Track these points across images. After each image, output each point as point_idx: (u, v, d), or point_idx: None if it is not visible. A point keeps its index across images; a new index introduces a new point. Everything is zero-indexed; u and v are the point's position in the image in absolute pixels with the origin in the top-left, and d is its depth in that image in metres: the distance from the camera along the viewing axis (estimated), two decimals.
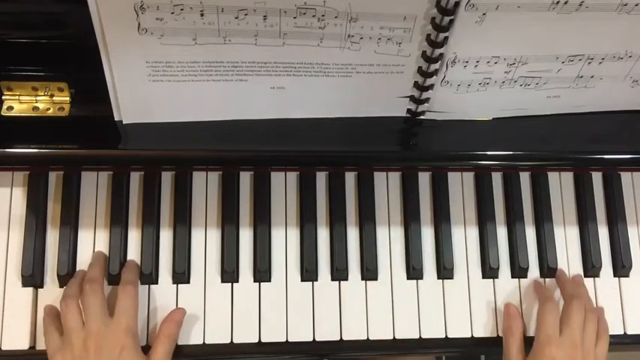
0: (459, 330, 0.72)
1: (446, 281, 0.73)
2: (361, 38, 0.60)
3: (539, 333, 0.67)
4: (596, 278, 0.74)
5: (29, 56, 0.68)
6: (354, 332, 0.71)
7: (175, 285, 0.70)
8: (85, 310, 0.64)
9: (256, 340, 0.70)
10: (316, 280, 0.72)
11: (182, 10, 0.56)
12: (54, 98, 0.69)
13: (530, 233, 0.75)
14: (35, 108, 0.69)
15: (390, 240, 0.73)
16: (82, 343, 0.62)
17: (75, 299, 0.64)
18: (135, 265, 0.70)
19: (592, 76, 0.67)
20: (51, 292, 0.69)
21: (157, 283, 0.70)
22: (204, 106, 0.66)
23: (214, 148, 0.68)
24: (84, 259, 0.70)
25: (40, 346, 0.68)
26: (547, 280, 0.74)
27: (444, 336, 0.71)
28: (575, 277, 0.74)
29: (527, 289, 0.73)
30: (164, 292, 0.70)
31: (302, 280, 0.72)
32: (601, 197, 0.77)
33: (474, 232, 0.74)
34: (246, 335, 0.69)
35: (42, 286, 0.69)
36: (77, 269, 0.70)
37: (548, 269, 0.74)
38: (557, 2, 0.57)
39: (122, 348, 0.62)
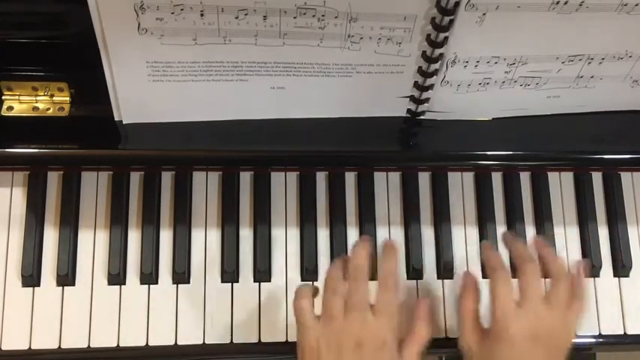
0: (459, 330, 0.71)
1: (446, 281, 0.73)
2: (361, 38, 0.60)
3: (494, 310, 0.59)
4: (596, 278, 0.74)
5: (29, 56, 0.68)
6: None
7: (175, 285, 0.70)
8: (349, 299, 0.58)
9: (256, 340, 0.70)
10: (317, 279, 0.72)
11: (182, 10, 0.56)
12: (54, 98, 0.69)
13: (530, 233, 0.75)
14: (35, 108, 0.69)
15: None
16: (341, 331, 0.57)
17: (342, 285, 0.59)
18: (395, 249, 0.63)
19: (592, 76, 0.67)
20: (51, 292, 0.69)
21: (157, 283, 0.70)
22: (204, 106, 0.66)
23: (214, 148, 0.68)
24: (84, 259, 0.70)
25: (40, 346, 0.68)
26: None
27: (443, 336, 0.71)
28: (535, 239, 0.67)
29: None
30: (164, 292, 0.70)
31: (302, 280, 0.72)
32: (601, 197, 0.77)
33: (474, 232, 0.74)
34: (246, 335, 0.69)
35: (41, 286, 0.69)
36: (77, 269, 0.70)
37: None
38: (557, 2, 0.57)
39: (383, 342, 0.57)
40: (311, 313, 0.59)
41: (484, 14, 0.57)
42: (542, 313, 0.59)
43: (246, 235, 0.72)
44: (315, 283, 0.71)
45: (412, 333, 0.61)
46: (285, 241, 0.72)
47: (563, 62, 0.65)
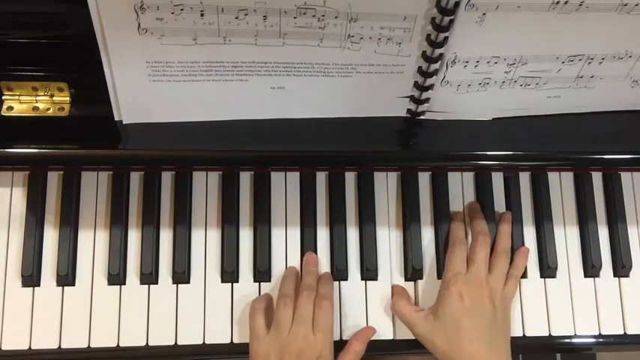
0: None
1: None
2: (361, 38, 0.60)
3: (446, 272, 0.69)
4: (596, 278, 0.74)
5: (29, 56, 0.68)
6: (354, 332, 0.71)
7: (175, 285, 0.70)
8: (297, 314, 0.66)
9: None
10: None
11: (182, 10, 0.56)
12: (54, 98, 0.69)
13: (530, 233, 0.75)
14: (35, 108, 0.69)
15: (390, 240, 0.73)
16: (287, 341, 0.65)
17: (293, 300, 0.67)
18: (330, 278, 0.71)
19: (592, 76, 0.67)
20: (51, 292, 0.69)
21: (157, 283, 0.70)
22: (204, 106, 0.66)
23: (214, 148, 0.68)
24: (84, 259, 0.70)
25: (40, 346, 0.68)
26: (547, 279, 0.74)
27: None
28: (502, 213, 0.74)
29: (527, 288, 0.73)
30: (164, 292, 0.70)
31: None
32: (601, 197, 0.77)
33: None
34: (246, 335, 0.69)
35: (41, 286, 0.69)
36: (77, 269, 0.70)
37: (548, 269, 0.73)
38: (557, 2, 0.57)
39: (319, 357, 0.65)
40: (262, 323, 0.67)
41: (484, 14, 0.57)
42: (484, 278, 0.68)
43: (246, 235, 0.72)
44: None
45: (348, 349, 0.68)
46: (285, 241, 0.72)
47: (563, 62, 0.65)
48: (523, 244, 0.74)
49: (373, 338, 0.70)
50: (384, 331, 0.71)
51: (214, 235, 0.72)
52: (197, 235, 0.72)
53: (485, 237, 0.71)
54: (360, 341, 0.69)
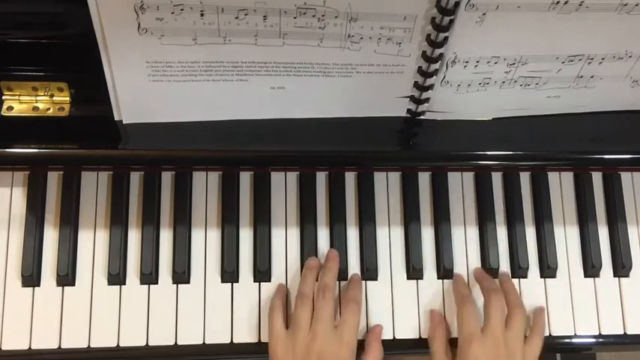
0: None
1: (446, 281, 0.73)
2: (361, 38, 0.60)
3: (461, 332, 0.67)
4: (596, 278, 0.74)
5: (29, 56, 0.68)
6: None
7: (175, 285, 0.70)
8: (316, 313, 0.66)
9: (256, 340, 0.70)
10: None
11: (182, 10, 0.56)
12: (54, 98, 0.69)
13: (530, 233, 0.75)
14: (35, 108, 0.69)
15: (390, 240, 0.73)
16: (306, 342, 0.64)
17: (311, 299, 0.67)
18: (360, 281, 0.71)
19: (592, 76, 0.67)
20: (51, 292, 0.69)
21: (157, 283, 0.70)
22: (204, 106, 0.66)
23: (214, 148, 0.68)
24: (84, 259, 0.70)
25: (40, 346, 0.68)
26: (547, 279, 0.74)
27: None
28: (500, 273, 0.73)
29: (527, 288, 0.73)
30: (164, 292, 0.70)
31: None
32: (601, 197, 0.77)
33: (474, 232, 0.74)
34: (246, 335, 0.69)
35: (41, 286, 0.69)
36: (77, 269, 0.70)
37: (548, 269, 0.73)
38: (557, 2, 0.57)
39: (341, 358, 0.64)
40: (281, 323, 0.67)
41: (484, 14, 0.57)
42: (501, 338, 0.65)
43: (246, 235, 0.72)
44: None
45: (369, 352, 0.67)
46: (285, 241, 0.72)
47: (563, 62, 0.65)
48: (524, 244, 0.74)
49: None
50: (384, 331, 0.71)
51: (214, 235, 0.72)
52: (197, 235, 0.72)
53: (498, 294, 0.68)
54: (379, 341, 0.69)
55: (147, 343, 0.68)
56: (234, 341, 0.70)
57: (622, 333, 0.73)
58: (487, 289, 0.69)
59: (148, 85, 0.63)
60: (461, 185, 0.75)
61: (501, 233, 0.75)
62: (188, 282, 0.71)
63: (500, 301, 0.68)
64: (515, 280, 0.73)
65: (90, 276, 0.70)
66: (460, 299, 0.69)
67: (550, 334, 0.72)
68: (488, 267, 0.73)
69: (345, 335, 0.65)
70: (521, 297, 0.73)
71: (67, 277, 0.69)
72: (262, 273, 0.71)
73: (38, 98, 0.69)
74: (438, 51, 0.61)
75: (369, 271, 0.72)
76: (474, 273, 0.73)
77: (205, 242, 0.72)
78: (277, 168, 0.73)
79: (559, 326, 0.72)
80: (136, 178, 0.72)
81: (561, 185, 0.76)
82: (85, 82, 0.68)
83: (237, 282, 0.71)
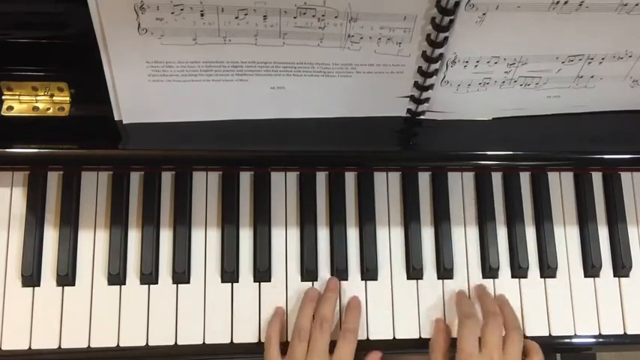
0: None
1: (446, 281, 0.73)
2: (361, 38, 0.60)
3: (459, 350, 0.66)
4: (596, 278, 0.74)
5: (29, 56, 0.68)
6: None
7: (175, 285, 0.70)
8: (311, 346, 0.66)
9: (256, 340, 0.70)
10: (317, 280, 0.72)
11: (182, 10, 0.56)
12: (54, 98, 0.69)
13: (530, 233, 0.75)
14: (35, 108, 0.69)
15: (390, 240, 0.73)
16: None
17: (308, 332, 0.67)
18: (359, 308, 0.70)
19: (592, 76, 0.67)
20: (51, 292, 0.69)
21: (157, 283, 0.70)
22: (204, 106, 0.66)
23: (214, 148, 0.68)
24: (84, 259, 0.70)
25: (40, 346, 0.68)
26: (547, 279, 0.74)
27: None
28: (498, 296, 0.73)
29: (527, 289, 0.73)
30: (164, 292, 0.70)
31: (302, 280, 0.72)
32: (601, 197, 0.77)
33: (474, 232, 0.74)
34: (246, 335, 0.69)
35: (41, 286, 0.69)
36: (77, 269, 0.70)
37: (548, 269, 0.73)
38: (557, 2, 0.57)
39: None
40: (277, 354, 0.67)
41: (484, 14, 0.57)
42: (496, 358, 0.65)
43: (246, 235, 0.72)
44: (315, 284, 0.71)
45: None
46: (285, 241, 0.72)
47: (563, 62, 0.65)
48: (524, 244, 0.74)
49: (373, 338, 0.70)
50: (384, 331, 0.71)
51: (214, 235, 0.72)
52: (197, 235, 0.72)
53: (497, 317, 0.68)
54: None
55: (147, 343, 0.68)
56: (234, 341, 0.70)
57: (622, 333, 0.73)
58: (487, 312, 0.69)
59: (148, 85, 0.63)
60: (461, 185, 0.75)
61: (501, 233, 0.75)
62: (188, 282, 0.71)
63: (499, 324, 0.67)
64: (514, 281, 0.73)
65: (90, 276, 0.70)
66: (463, 317, 0.69)
67: (550, 334, 0.72)
68: (489, 267, 0.73)
69: None
70: (521, 297, 0.73)
71: (67, 277, 0.69)
72: (262, 273, 0.71)
73: (38, 98, 0.69)
74: (438, 51, 0.61)
75: (369, 271, 0.72)
76: (475, 290, 0.73)
77: (205, 242, 0.72)
78: (277, 168, 0.73)
79: (559, 326, 0.72)
80: (136, 178, 0.72)
81: (561, 185, 0.76)
82: (85, 82, 0.68)
83: (237, 282, 0.71)
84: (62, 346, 0.68)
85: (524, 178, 0.76)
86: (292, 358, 0.65)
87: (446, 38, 0.59)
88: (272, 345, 0.67)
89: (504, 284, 0.73)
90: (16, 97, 0.69)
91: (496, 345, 0.66)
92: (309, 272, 0.71)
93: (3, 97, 0.68)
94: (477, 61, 0.63)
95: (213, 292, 0.71)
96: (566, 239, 0.75)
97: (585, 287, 0.74)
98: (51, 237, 0.70)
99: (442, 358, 0.68)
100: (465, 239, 0.74)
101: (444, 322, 0.71)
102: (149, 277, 0.70)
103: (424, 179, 0.75)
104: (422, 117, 0.70)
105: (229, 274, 0.70)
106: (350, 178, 0.74)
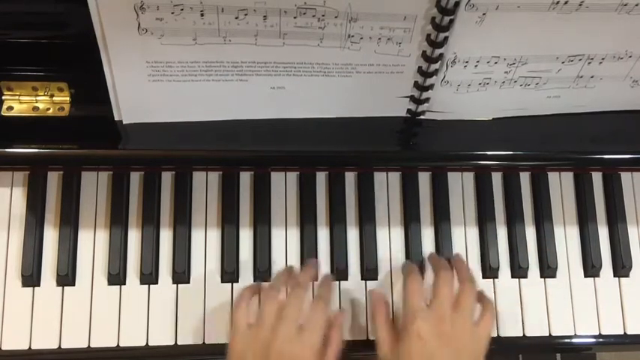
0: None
1: None
2: (361, 38, 0.60)
3: (405, 307, 0.63)
4: (596, 278, 0.74)
5: (29, 56, 0.68)
6: (355, 332, 0.71)
7: (175, 285, 0.70)
8: (282, 311, 0.61)
9: None
10: (316, 280, 0.71)
11: (182, 10, 0.56)
12: (54, 98, 0.69)
13: (530, 233, 0.75)
14: (35, 108, 0.69)
15: (390, 240, 0.73)
16: (267, 340, 0.59)
17: (279, 294, 0.63)
18: (329, 280, 0.69)
19: (592, 76, 0.67)
20: (51, 292, 0.69)
21: (157, 283, 0.70)
22: (204, 106, 0.66)
23: (214, 148, 0.68)
24: (84, 259, 0.70)
25: (40, 346, 0.68)
26: (547, 279, 0.74)
27: None
28: (455, 254, 0.72)
29: (527, 289, 0.73)
30: (164, 292, 0.70)
31: None
32: (601, 197, 0.77)
33: (474, 232, 0.74)
34: None
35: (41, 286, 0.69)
36: (77, 269, 0.70)
37: (548, 269, 0.73)
38: (557, 2, 0.57)
39: (302, 359, 0.59)
40: (245, 317, 0.63)
41: (484, 14, 0.57)
42: (447, 314, 0.62)
43: (246, 235, 0.72)
44: (315, 284, 0.71)
45: (327, 344, 0.62)
46: (285, 241, 0.72)
47: (563, 62, 0.65)
48: (524, 244, 0.74)
49: (373, 338, 0.70)
50: None
51: (214, 235, 0.72)
52: (197, 235, 0.72)
53: (447, 271, 0.65)
54: (339, 332, 0.64)
55: (147, 343, 0.68)
56: None
57: (622, 333, 0.73)
58: (437, 267, 0.67)
59: (148, 85, 0.63)
60: (461, 185, 0.75)
61: (501, 233, 0.75)
62: (188, 282, 0.71)
63: (449, 277, 0.65)
64: (514, 280, 0.73)
65: (90, 276, 0.70)
66: (408, 274, 0.66)
67: (550, 334, 0.72)
68: (489, 267, 0.73)
69: (308, 335, 0.60)
70: (521, 297, 0.73)
71: (67, 277, 0.69)
72: (262, 273, 0.71)
73: (38, 98, 0.69)
74: (438, 51, 0.61)
75: (369, 271, 0.72)
76: (428, 257, 0.72)
77: (205, 242, 0.72)
78: (277, 168, 0.73)
79: (559, 326, 0.72)
80: (136, 178, 0.72)
81: (561, 185, 0.76)
82: (85, 82, 0.68)
83: (237, 282, 0.71)
84: (62, 346, 0.68)
85: (524, 178, 0.76)
86: (261, 320, 0.61)
87: (446, 38, 0.59)
88: (241, 303, 0.64)
89: (504, 284, 0.73)
90: (16, 97, 0.69)
91: (446, 298, 0.63)
92: None
93: (3, 97, 0.68)
94: (477, 61, 0.63)
95: (213, 292, 0.70)
96: (566, 239, 0.75)
97: (585, 287, 0.74)
98: (51, 237, 0.70)
99: (388, 328, 0.64)
100: (464, 239, 0.74)
101: (378, 292, 0.69)
102: (149, 277, 0.70)
103: (424, 179, 0.75)
104: (422, 117, 0.70)
105: (229, 274, 0.70)
106: (350, 178, 0.74)
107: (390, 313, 0.69)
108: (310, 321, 0.62)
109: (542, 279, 0.74)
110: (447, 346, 0.60)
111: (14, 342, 0.68)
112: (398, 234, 0.74)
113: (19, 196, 0.71)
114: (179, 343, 0.69)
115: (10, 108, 0.68)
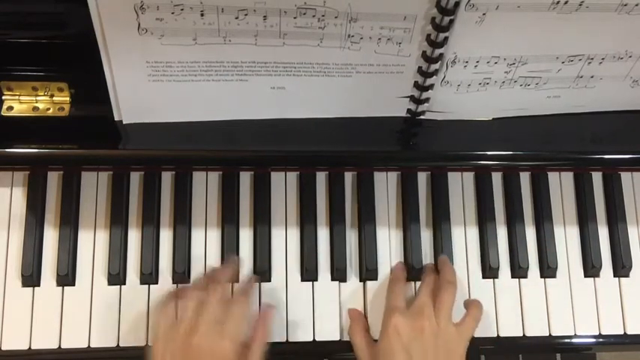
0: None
1: None
2: (361, 38, 0.60)
3: (386, 305, 0.68)
4: (596, 278, 0.74)
5: (29, 56, 0.68)
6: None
7: (176, 285, 0.70)
8: (201, 306, 0.61)
9: None
10: (316, 280, 0.72)
11: (182, 10, 0.56)
12: (54, 98, 0.69)
13: (530, 233, 0.75)
14: (35, 108, 0.69)
15: (389, 240, 0.73)
16: (186, 335, 0.59)
17: (199, 291, 0.63)
18: (253, 280, 0.70)
19: (592, 76, 0.67)
20: (51, 292, 0.69)
21: (156, 283, 0.70)
22: (204, 106, 0.66)
23: (214, 148, 0.68)
24: (84, 259, 0.70)
25: (40, 346, 0.68)
26: (547, 279, 0.74)
27: None
28: (440, 256, 0.73)
29: (527, 289, 0.73)
30: (164, 292, 0.70)
31: (302, 280, 0.72)
32: (601, 197, 0.77)
33: (473, 232, 0.74)
34: None
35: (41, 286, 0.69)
36: (77, 269, 0.70)
37: (548, 269, 0.73)
38: (557, 2, 0.57)
39: (221, 357, 0.59)
40: (164, 319, 0.61)
41: (484, 14, 0.57)
42: (426, 312, 0.64)
43: (246, 235, 0.72)
44: (315, 284, 0.71)
45: (253, 337, 0.63)
46: (285, 241, 0.72)
47: (563, 62, 0.65)
48: (524, 244, 0.74)
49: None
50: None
51: (214, 235, 0.72)
52: (197, 235, 0.72)
53: (431, 274, 0.70)
54: (265, 325, 0.65)
55: (147, 343, 0.68)
56: None
57: (622, 333, 0.73)
58: (425, 274, 0.70)
59: (148, 85, 0.63)
60: (461, 185, 0.75)
61: (501, 233, 0.75)
62: (188, 282, 0.71)
63: (431, 280, 0.68)
64: (514, 280, 0.73)
65: (90, 276, 0.70)
66: (392, 278, 0.70)
67: (550, 334, 0.72)
68: (489, 267, 0.73)
69: (228, 329, 0.60)
70: (521, 297, 0.73)
71: (67, 277, 0.69)
72: (262, 273, 0.71)
73: (38, 98, 0.69)
74: (438, 51, 0.61)
75: (369, 271, 0.72)
76: (439, 260, 0.72)
77: (205, 242, 0.72)
78: (277, 168, 0.73)
79: (559, 326, 0.72)
80: (136, 178, 0.72)
81: (561, 185, 0.76)
82: (85, 82, 0.68)
83: (237, 282, 0.71)
84: (62, 346, 0.68)
85: (524, 178, 0.76)
86: (180, 315, 0.61)
87: (446, 38, 0.59)
88: (167, 302, 0.63)
89: (504, 284, 0.73)
90: (16, 97, 0.69)
91: (426, 298, 0.66)
92: (309, 272, 0.71)
93: (3, 97, 0.68)
94: (477, 61, 0.63)
95: None
96: (566, 239, 0.75)
97: (585, 287, 0.74)
98: (51, 237, 0.70)
99: (364, 339, 0.67)
100: (464, 239, 0.74)
101: (356, 310, 0.71)
102: (149, 277, 0.70)
103: (424, 179, 0.75)
104: (422, 117, 0.70)
105: None
106: (350, 178, 0.74)
107: (367, 324, 0.70)
108: (229, 315, 0.61)
109: (542, 279, 0.74)
110: (424, 341, 0.62)
111: (14, 342, 0.68)
112: (398, 234, 0.74)
113: (19, 196, 0.71)
114: None
115: (10, 108, 0.68)
